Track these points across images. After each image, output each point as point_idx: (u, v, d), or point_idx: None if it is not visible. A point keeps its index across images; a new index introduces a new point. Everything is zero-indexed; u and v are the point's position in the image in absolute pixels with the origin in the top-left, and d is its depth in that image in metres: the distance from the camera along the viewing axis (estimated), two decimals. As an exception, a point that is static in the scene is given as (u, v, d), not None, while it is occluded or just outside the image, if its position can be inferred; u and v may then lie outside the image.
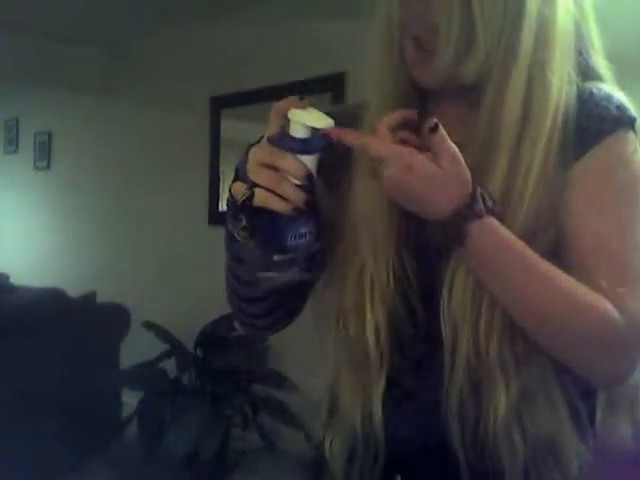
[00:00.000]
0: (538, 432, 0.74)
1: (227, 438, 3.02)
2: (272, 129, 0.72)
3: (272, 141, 0.71)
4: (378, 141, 0.72)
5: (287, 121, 0.71)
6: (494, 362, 0.73)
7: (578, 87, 0.77)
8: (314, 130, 0.71)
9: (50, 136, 5.08)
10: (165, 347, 3.25)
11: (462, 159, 0.71)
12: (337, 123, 0.87)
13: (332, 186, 0.84)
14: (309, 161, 0.71)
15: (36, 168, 5.21)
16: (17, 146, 5.46)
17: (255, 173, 0.71)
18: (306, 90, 3.35)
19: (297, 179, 0.70)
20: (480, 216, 0.70)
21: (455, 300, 0.75)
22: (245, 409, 3.04)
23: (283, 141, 0.71)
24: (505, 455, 0.74)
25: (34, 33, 4.19)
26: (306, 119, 0.70)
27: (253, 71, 3.66)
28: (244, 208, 0.72)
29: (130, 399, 3.16)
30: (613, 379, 0.76)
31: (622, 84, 0.82)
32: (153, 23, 3.98)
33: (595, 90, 0.78)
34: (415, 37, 0.77)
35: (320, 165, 0.73)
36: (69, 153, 4.95)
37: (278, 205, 0.70)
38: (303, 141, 0.70)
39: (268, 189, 0.70)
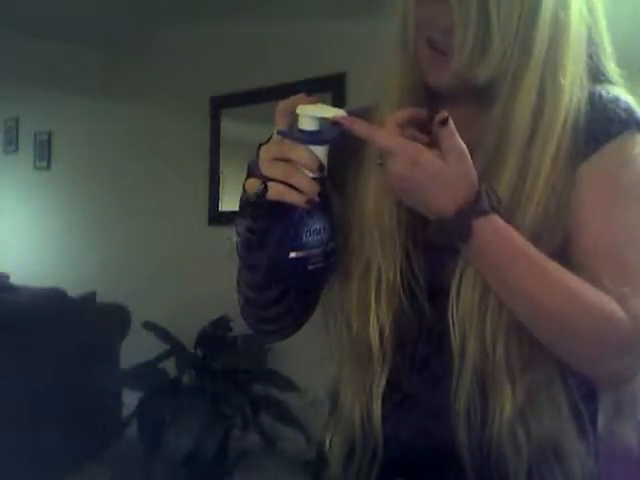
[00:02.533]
0: (542, 433, 0.74)
1: (227, 438, 3.01)
2: (280, 126, 0.73)
3: (283, 133, 0.71)
4: (386, 133, 0.71)
5: (295, 117, 0.71)
6: (501, 362, 0.73)
7: (588, 90, 0.77)
8: (323, 122, 0.71)
9: (50, 136, 5.08)
10: (165, 347, 3.25)
11: (469, 157, 0.71)
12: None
13: (336, 187, 0.84)
14: (321, 153, 0.71)
15: (36, 168, 5.20)
16: (17, 146, 5.46)
17: (267, 167, 0.70)
18: (306, 90, 3.34)
19: (310, 170, 0.70)
20: (485, 213, 0.70)
21: (463, 299, 0.74)
22: (245, 409, 3.04)
23: (294, 133, 0.71)
24: (510, 456, 0.74)
25: (34, 33, 4.19)
26: (315, 111, 0.71)
27: (253, 71, 3.66)
28: (258, 205, 0.71)
29: (130, 399, 3.16)
30: (617, 380, 0.76)
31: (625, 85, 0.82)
32: (153, 23, 3.98)
33: (603, 92, 0.78)
34: (430, 38, 0.76)
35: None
36: (69, 153, 4.95)
37: (293, 197, 0.69)
38: (313, 133, 0.70)
39: (282, 182, 0.69)
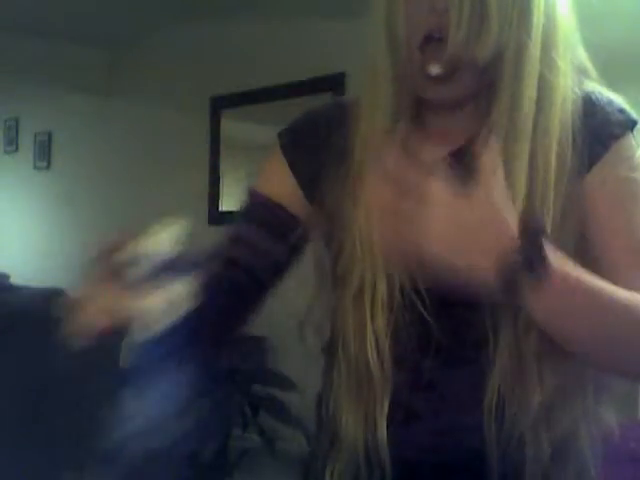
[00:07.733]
0: (560, 433, 0.73)
1: (227, 438, 3.02)
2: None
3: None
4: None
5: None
6: (531, 360, 0.71)
7: (582, 92, 0.76)
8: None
9: (50, 136, 5.08)
10: (165, 347, 3.25)
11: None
12: (332, 119, 0.86)
13: (311, 200, 0.83)
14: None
15: (36, 168, 5.21)
16: (17, 146, 5.46)
17: None
18: (306, 90, 3.35)
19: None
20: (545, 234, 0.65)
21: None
22: (245, 409, 3.04)
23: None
24: (530, 457, 0.72)
25: (34, 33, 4.19)
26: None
27: (253, 71, 3.66)
28: None
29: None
30: None
31: (611, 83, 0.82)
32: (153, 23, 3.98)
33: (598, 95, 0.78)
34: (425, 35, 0.72)
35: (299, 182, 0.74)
36: (69, 153, 4.95)
37: None
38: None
39: None
